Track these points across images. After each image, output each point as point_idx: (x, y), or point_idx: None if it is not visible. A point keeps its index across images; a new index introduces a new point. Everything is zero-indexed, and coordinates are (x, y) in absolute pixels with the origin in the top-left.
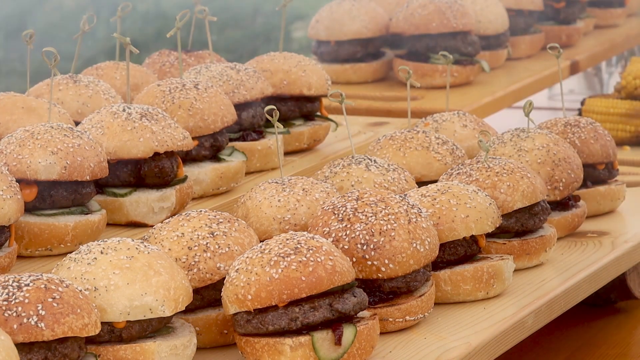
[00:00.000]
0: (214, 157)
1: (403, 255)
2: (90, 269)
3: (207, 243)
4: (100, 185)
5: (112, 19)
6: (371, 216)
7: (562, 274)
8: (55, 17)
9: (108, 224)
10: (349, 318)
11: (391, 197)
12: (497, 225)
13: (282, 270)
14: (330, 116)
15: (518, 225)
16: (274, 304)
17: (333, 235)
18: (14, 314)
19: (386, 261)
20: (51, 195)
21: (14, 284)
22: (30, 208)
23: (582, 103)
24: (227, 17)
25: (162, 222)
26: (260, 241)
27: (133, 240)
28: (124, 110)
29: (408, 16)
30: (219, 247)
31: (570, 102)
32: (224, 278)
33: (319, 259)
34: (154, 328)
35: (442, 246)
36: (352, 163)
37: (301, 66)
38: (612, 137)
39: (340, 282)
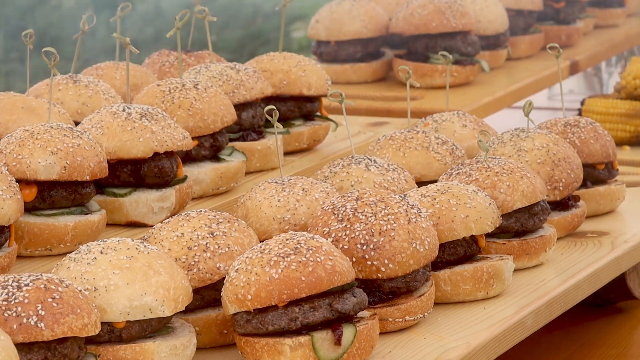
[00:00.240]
0: (214, 157)
1: (403, 255)
2: (90, 269)
3: (206, 243)
4: (100, 185)
5: (112, 19)
6: (371, 216)
7: (561, 274)
8: (55, 17)
9: (108, 224)
10: (349, 318)
11: (391, 197)
12: (497, 225)
13: (282, 270)
14: (330, 116)
15: (518, 225)
16: (273, 304)
17: (333, 235)
18: (14, 314)
19: (386, 261)
20: (51, 195)
21: (14, 284)
22: (30, 208)
23: (582, 103)
24: (227, 17)
25: (161, 222)
26: (260, 241)
27: (133, 240)
28: (123, 110)
29: (408, 16)
30: (218, 247)
31: (570, 102)
32: (224, 278)
33: (318, 259)
34: (154, 328)
35: (442, 246)
36: (351, 163)
37: (301, 66)
38: (612, 137)
39: (340, 282)
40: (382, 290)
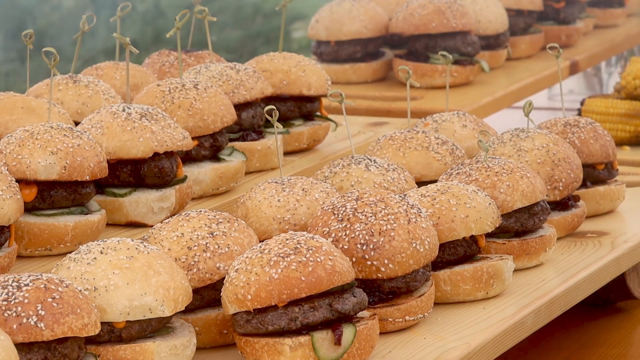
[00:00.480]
0: (214, 157)
1: (403, 255)
2: (90, 269)
3: (206, 243)
4: (100, 185)
5: (112, 19)
6: (371, 216)
7: (561, 274)
8: (55, 17)
9: (108, 224)
10: (349, 318)
11: (391, 197)
12: (497, 225)
13: (281, 270)
14: (330, 116)
15: (518, 225)
16: (273, 304)
17: (333, 235)
18: (14, 314)
19: (386, 261)
20: (51, 195)
21: (14, 284)
22: (30, 208)
23: (582, 103)
24: (227, 17)
25: (161, 222)
26: (260, 241)
27: (133, 240)
28: (123, 110)
29: (408, 16)
30: (218, 247)
31: (570, 102)
32: (224, 278)
33: (318, 259)
34: (154, 328)
35: (442, 246)
36: (351, 163)
37: (301, 66)
38: (611, 137)
39: (340, 282)
40: (382, 290)
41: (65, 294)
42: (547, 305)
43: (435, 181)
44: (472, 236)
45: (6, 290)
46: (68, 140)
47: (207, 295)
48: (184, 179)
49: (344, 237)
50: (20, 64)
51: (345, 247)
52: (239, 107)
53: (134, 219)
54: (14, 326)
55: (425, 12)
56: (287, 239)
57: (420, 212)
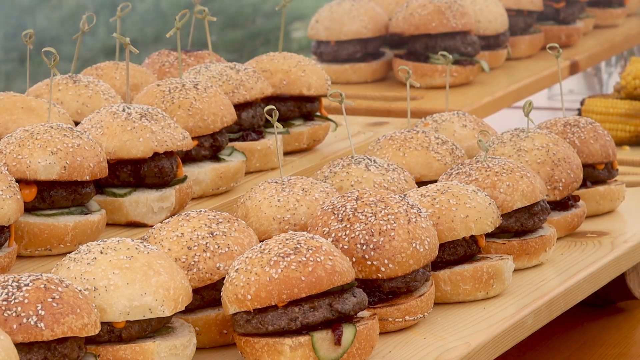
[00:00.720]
0: (214, 157)
1: (403, 255)
2: (89, 269)
3: (206, 243)
4: (100, 185)
5: (111, 19)
6: (371, 216)
7: (561, 274)
8: (55, 17)
9: (108, 224)
10: (349, 318)
11: (391, 197)
12: (497, 225)
13: (281, 270)
14: (330, 116)
15: (518, 225)
16: (273, 304)
17: (333, 235)
18: (14, 314)
19: (386, 261)
20: (51, 195)
21: (14, 284)
22: (30, 208)
23: (582, 103)
24: (227, 17)
25: (161, 222)
26: (260, 241)
27: (133, 240)
28: (123, 110)
29: (407, 16)
30: (218, 247)
31: (569, 102)
32: (224, 278)
33: (318, 259)
34: (154, 328)
35: (442, 246)
36: (351, 163)
37: (301, 66)
38: (611, 137)
39: (340, 282)
40: (382, 290)
41: (65, 294)
42: (547, 305)
43: (435, 181)
44: (472, 236)
45: (6, 290)
46: (68, 140)
47: (207, 295)
48: (184, 179)
49: (344, 237)
50: (20, 64)
51: (345, 247)
52: (239, 107)
53: (134, 219)
54: (14, 326)
55: (425, 12)
56: (287, 239)
57: (420, 212)
